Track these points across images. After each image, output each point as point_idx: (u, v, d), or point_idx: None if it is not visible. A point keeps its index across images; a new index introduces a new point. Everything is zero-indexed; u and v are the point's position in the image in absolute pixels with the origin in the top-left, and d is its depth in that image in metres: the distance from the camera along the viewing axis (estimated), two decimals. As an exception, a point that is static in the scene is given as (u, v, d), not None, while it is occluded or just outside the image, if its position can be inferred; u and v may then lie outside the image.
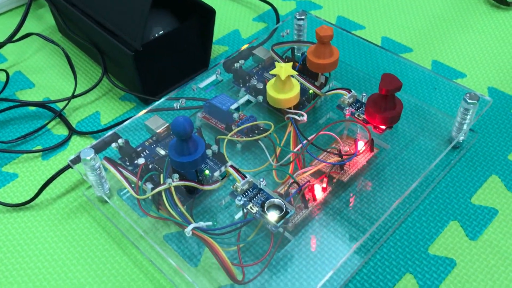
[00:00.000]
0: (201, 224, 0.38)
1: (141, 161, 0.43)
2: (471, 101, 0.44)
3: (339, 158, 0.45)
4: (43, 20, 0.68)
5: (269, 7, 0.68)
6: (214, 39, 0.63)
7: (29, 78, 0.59)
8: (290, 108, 0.47)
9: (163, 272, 0.41)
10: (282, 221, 0.37)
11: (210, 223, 0.39)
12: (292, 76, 0.47)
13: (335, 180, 0.45)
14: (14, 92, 0.58)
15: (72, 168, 0.44)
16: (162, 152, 0.45)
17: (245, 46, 0.54)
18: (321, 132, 0.46)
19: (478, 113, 0.46)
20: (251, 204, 0.39)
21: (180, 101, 0.50)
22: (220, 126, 0.49)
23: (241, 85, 0.52)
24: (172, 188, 0.40)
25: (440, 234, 0.43)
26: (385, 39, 0.62)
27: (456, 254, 0.41)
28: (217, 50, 0.62)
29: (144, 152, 0.45)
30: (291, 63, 0.45)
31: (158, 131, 0.46)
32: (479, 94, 0.45)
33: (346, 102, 0.47)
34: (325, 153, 0.46)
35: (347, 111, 0.47)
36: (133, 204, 0.45)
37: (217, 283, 0.40)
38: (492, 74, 0.57)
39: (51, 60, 0.62)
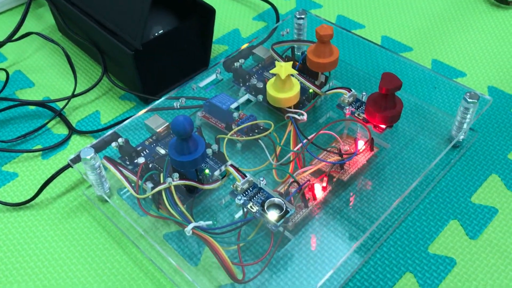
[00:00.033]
0: (201, 223, 0.38)
1: (141, 160, 0.43)
2: (471, 100, 0.44)
3: (339, 157, 0.45)
4: (43, 19, 0.68)
5: (269, 6, 0.68)
6: (214, 38, 0.63)
7: (29, 78, 0.59)
8: (290, 107, 0.47)
9: (163, 271, 0.41)
10: (282, 220, 0.37)
11: (210, 222, 0.39)
12: (292, 75, 0.47)
13: (335, 179, 0.45)
14: (14, 91, 0.58)
15: (72, 167, 0.44)
16: (162, 151, 0.45)
17: (245, 45, 0.54)
18: (321, 131, 0.46)
19: (478, 112, 0.46)
20: (251, 203, 0.39)
21: (180, 100, 0.50)
22: (220, 125, 0.49)
23: (241, 84, 0.52)
24: (172, 187, 0.40)
25: (440, 233, 0.43)
26: (385, 38, 0.62)
27: (456, 253, 0.41)
28: (217, 49, 0.62)
29: (144, 151, 0.45)
30: (291, 62, 0.45)
31: (158, 130, 0.46)
32: (479, 93, 0.45)
33: (346, 101, 0.47)
34: (325, 152, 0.46)
35: (347, 110, 0.47)
36: (133, 203, 0.45)
37: (217, 282, 0.40)
38: (492, 73, 0.57)
39: (51, 59, 0.62)
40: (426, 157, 0.47)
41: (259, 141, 0.47)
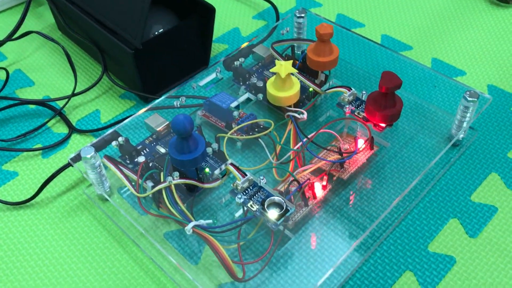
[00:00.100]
0: (202, 222, 0.38)
1: (141, 159, 0.43)
2: (470, 99, 0.44)
3: (339, 156, 0.45)
4: (42, 18, 0.68)
5: (269, 5, 0.68)
6: (214, 37, 0.63)
7: (29, 76, 0.59)
8: (290, 106, 0.47)
9: (163, 270, 0.41)
10: (282, 219, 0.38)
11: (210, 221, 0.39)
12: (292, 74, 0.47)
13: (335, 178, 0.45)
14: (14, 90, 0.58)
15: (72, 166, 0.44)
16: (162, 150, 0.45)
17: (245, 44, 0.54)
18: (321, 130, 0.46)
19: (478, 111, 0.46)
20: (251, 202, 0.39)
21: (180, 99, 0.50)
22: (220, 124, 0.49)
23: (241, 83, 0.52)
24: (173, 186, 0.40)
25: (440, 231, 0.43)
26: (385, 37, 0.62)
27: (456, 252, 0.41)
28: (217, 48, 0.62)
29: (144, 150, 0.46)
30: (291, 61, 0.45)
31: (158, 129, 0.47)
32: (479, 92, 0.45)
33: (346, 100, 0.47)
34: (325, 151, 0.46)
35: (347, 109, 0.47)
36: (133, 202, 0.45)
37: (217, 280, 0.40)
38: (491, 72, 0.57)
39: (51, 58, 0.62)
40: (426, 155, 0.47)
41: (259, 140, 0.47)
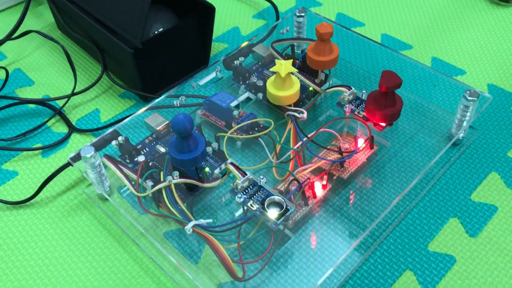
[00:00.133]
0: (202, 221, 0.38)
1: (141, 158, 0.43)
2: (470, 98, 0.44)
3: (339, 156, 0.45)
4: (42, 18, 0.67)
5: (269, 4, 0.68)
6: (213, 36, 0.63)
7: (29, 76, 0.59)
8: (290, 106, 0.47)
9: (163, 269, 0.41)
10: (282, 218, 0.38)
11: (210, 220, 0.39)
12: (292, 73, 0.47)
13: (335, 177, 0.45)
14: (13, 89, 0.57)
15: (72, 165, 0.44)
16: (162, 149, 0.45)
17: (245, 43, 0.54)
18: (321, 129, 0.46)
19: (478, 110, 0.46)
20: (251, 202, 0.39)
21: (180, 98, 0.50)
22: (220, 123, 0.49)
23: (241, 83, 0.52)
24: (172, 185, 0.40)
25: (440, 231, 0.43)
26: (384, 36, 0.62)
27: (456, 251, 0.41)
28: (216, 47, 0.62)
29: (144, 150, 0.46)
30: (291, 60, 0.45)
31: (158, 128, 0.46)
32: (479, 91, 0.45)
33: (346, 99, 0.47)
34: (325, 150, 0.46)
35: (347, 108, 0.47)
36: (133, 202, 0.45)
37: (217, 280, 0.40)
38: (491, 71, 0.57)
39: (51, 57, 0.62)
40: (426, 155, 0.47)
41: (259, 139, 0.47)
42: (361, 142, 0.46)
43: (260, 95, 0.50)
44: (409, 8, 0.66)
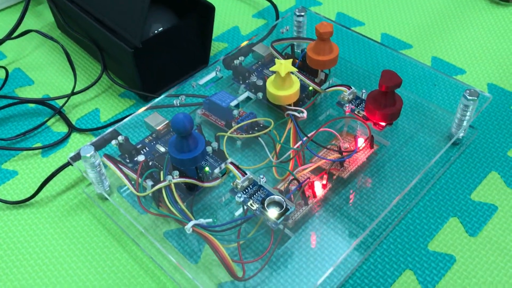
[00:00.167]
0: (201, 221, 0.38)
1: (141, 158, 0.43)
2: (470, 97, 0.44)
3: (339, 155, 0.45)
4: (42, 17, 0.67)
5: (269, 4, 0.68)
6: (213, 36, 0.63)
7: (28, 75, 0.59)
8: (290, 105, 0.47)
9: (163, 269, 0.41)
10: (282, 218, 0.38)
11: (210, 220, 0.39)
12: (292, 72, 0.47)
13: (335, 177, 0.45)
14: (13, 89, 0.57)
15: (72, 165, 0.44)
16: (162, 149, 0.45)
17: (244, 43, 0.54)
18: (321, 129, 0.46)
19: (478, 110, 0.46)
20: (251, 201, 0.39)
21: (180, 98, 0.50)
22: (220, 123, 0.49)
23: (241, 82, 0.52)
24: (172, 185, 0.40)
25: (439, 230, 0.43)
26: (384, 36, 0.62)
27: (455, 251, 0.41)
28: (216, 46, 0.62)
29: (144, 149, 0.45)
30: (290, 60, 0.45)
31: (158, 128, 0.46)
32: (479, 91, 0.45)
33: (346, 98, 0.47)
34: (325, 150, 0.46)
35: (347, 107, 0.47)
36: (133, 201, 0.45)
37: (217, 279, 0.40)
38: (491, 71, 0.57)
39: (50, 57, 0.61)
40: (426, 154, 0.47)
41: (259, 138, 0.47)
42: (361, 142, 0.46)
43: (260, 94, 0.50)
44: (409, 8, 0.66)
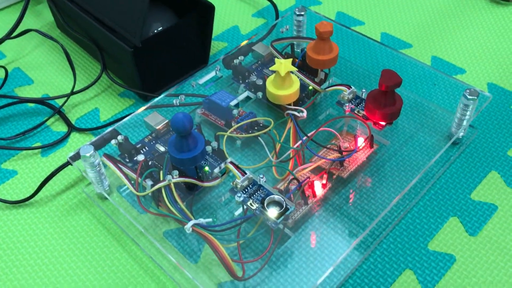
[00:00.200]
0: (201, 220, 0.38)
1: (140, 157, 0.43)
2: (470, 97, 0.44)
3: (339, 155, 0.45)
4: (41, 16, 0.67)
5: (268, 3, 0.68)
6: (213, 35, 0.63)
7: (28, 75, 0.59)
8: (289, 105, 0.47)
9: (163, 268, 0.41)
10: (282, 217, 0.37)
11: (210, 219, 0.39)
12: (292, 72, 0.47)
13: (335, 176, 0.45)
14: (13, 88, 0.57)
15: (71, 165, 0.44)
16: (162, 148, 0.45)
17: (244, 42, 0.54)
18: (321, 128, 0.46)
19: (478, 109, 0.46)
20: (251, 201, 0.39)
21: (179, 97, 0.50)
22: (219, 122, 0.49)
23: (241, 82, 0.52)
24: (172, 184, 0.40)
25: (439, 230, 0.43)
26: (384, 35, 0.62)
27: (455, 250, 0.41)
28: (216, 46, 0.62)
29: (143, 149, 0.45)
30: (290, 59, 0.45)
31: (157, 127, 0.46)
32: (479, 90, 0.45)
33: (346, 98, 0.47)
34: (325, 149, 0.46)
35: (347, 107, 0.47)
36: (132, 201, 0.45)
37: (217, 279, 0.40)
38: (491, 70, 0.56)
39: (50, 56, 0.61)
40: (425, 154, 0.47)
41: (259, 138, 0.47)
42: (361, 141, 0.46)
43: (259, 94, 0.50)
44: (409, 7, 0.66)
